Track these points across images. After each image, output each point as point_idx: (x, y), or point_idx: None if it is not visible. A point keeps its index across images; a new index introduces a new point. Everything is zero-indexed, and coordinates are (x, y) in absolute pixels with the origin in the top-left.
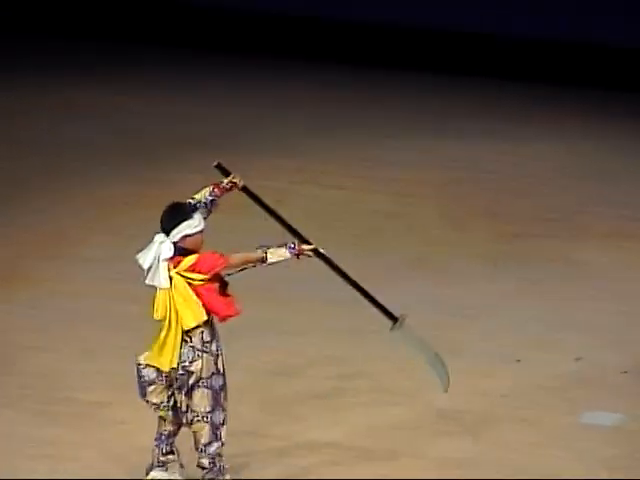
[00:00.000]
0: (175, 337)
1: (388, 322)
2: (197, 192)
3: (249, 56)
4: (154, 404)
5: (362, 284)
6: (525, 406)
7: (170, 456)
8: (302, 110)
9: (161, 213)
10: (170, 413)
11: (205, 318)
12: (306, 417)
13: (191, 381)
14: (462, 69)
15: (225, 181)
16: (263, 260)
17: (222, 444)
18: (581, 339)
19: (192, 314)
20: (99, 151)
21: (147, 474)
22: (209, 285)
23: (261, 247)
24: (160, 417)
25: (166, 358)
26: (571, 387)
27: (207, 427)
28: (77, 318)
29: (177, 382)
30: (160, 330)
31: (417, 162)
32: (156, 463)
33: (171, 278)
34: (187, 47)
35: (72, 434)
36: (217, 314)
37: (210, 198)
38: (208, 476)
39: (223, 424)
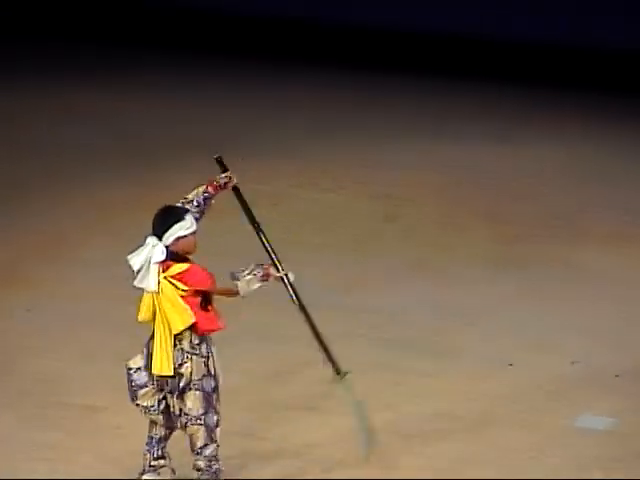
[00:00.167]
0: (167, 342)
1: (387, 327)
2: (190, 192)
3: (249, 58)
4: (144, 407)
5: (361, 288)
6: (523, 409)
7: (161, 461)
8: (302, 112)
9: (153, 217)
10: (161, 417)
11: (193, 320)
12: (302, 420)
13: (182, 384)
14: (462, 71)
15: (222, 176)
16: (238, 293)
17: (217, 446)
18: (581, 342)
19: (180, 318)
20: (99, 153)
21: (139, 479)
22: (191, 298)
23: (232, 275)
24: (151, 421)
25: (163, 363)
26: (569, 390)
27: (202, 430)
28: (77, 321)
29: (168, 386)
30: (151, 336)
31: (417, 164)
32: (147, 467)
33: (159, 282)
34: (187, 49)
35: (71, 438)
36: (196, 327)
37: (204, 196)
38: (204, 477)
39: (217, 426)
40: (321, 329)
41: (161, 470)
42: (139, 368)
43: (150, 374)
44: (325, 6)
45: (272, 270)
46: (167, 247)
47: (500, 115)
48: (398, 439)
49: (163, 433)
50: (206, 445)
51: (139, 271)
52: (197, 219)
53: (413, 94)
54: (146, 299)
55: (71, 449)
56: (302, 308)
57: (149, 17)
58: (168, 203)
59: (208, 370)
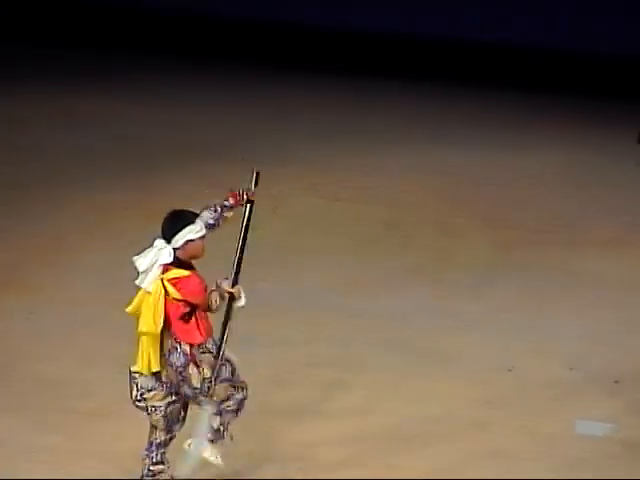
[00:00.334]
0: (150, 341)
1: (387, 330)
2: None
3: (249, 64)
4: (152, 407)
5: (361, 291)
6: (522, 413)
7: (160, 466)
8: (302, 117)
9: (162, 220)
10: (162, 421)
11: (156, 333)
12: (302, 422)
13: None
14: (462, 76)
15: (252, 190)
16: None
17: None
18: (580, 347)
19: (147, 322)
20: (99, 158)
21: None
22: (177, 305)
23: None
24: (152, 425)
25: (144, 361)
26: (568, 395)
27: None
28: (76, 325)
29: (202, 390)
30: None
31: (416, 169)
32: (146, 472)
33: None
34: (187, 55)
35: (71, 442)
36: (174, 335)
37: (226, 204)
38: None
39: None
40: (321, 331)
41: (159, 476)
42: (142, 373)
43: (155, 377)
44: (325, 11)
45: (224, 285)
46: (175, 250)
47: (500, 119)
48: (398, 441)
49: (163, 438)
50: (232, 394)
51: (144, 272)
52: (211, 226)
53: (413, 99)
54: (139, 295)
55: (71, 453)
56: (224, 325)
57: (149, 22)
58: (177, 207)
59: (220, 357)
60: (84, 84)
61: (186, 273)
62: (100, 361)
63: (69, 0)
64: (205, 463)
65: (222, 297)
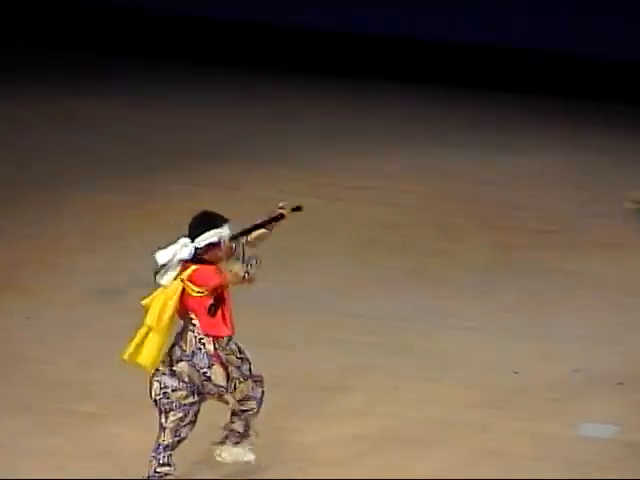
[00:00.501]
0: (159, 338)
1: (386, 333)
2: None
3: (249, 65)
4: (176, 404)
5: (361, 294)
6: (524, 416)
7: (166, 468)
8: (302, 118)
9: (190, 220)
10: (178, 421)
11: (157, 328)
12: (302, 422)
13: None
14: (462, 78)
15: (287, 212)
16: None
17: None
18: (582, 349)
19: (151, 315)
20: (99, 159)
21: None
22: (200, 299)
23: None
24: (161, 427)
25: (148, 357)
26: (571, 398)
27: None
28: (74, 329)
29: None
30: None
31: (416, 170)
32: (152, 474)
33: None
34: (187, 57)
35: (71, 444)
36: (203, 331)
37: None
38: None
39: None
40: (321, 332)
41: (166, 478)
42: (164, 373)
43: (173, 376)
44: (324, 13)
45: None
46: (196, 250)
47: (500, 120)
48: (398, 441)
49: (171, 441)
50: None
51: (163, 267)
52: (240, 235)
53: (413, 99)
54: (157, 290)
55: (71, 455)
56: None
57: (149, 23)
58: (205, 210)
59: (240, 357)
60: (84, 85)
61: (196, 267)
62: (100, 362)
63: (69, 1)
64: (239, 464)
65: (260, 238)
